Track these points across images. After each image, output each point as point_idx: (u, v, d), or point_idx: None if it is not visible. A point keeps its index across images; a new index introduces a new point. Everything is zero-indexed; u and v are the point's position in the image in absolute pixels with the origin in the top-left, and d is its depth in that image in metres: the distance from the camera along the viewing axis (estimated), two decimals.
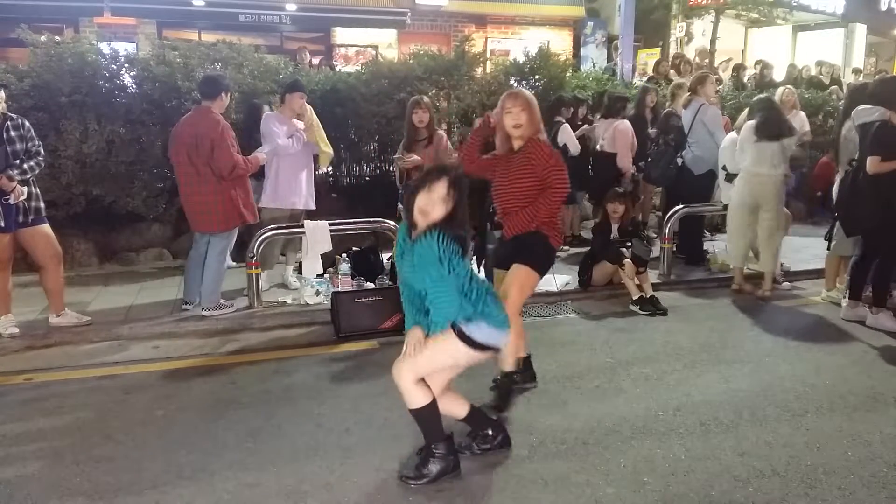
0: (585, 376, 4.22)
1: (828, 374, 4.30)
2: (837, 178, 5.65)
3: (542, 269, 3.82)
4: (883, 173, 4.93)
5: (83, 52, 6.66)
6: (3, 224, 4.71)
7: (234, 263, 6.17)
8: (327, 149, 6.09)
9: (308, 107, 5.94)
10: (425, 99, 5.97)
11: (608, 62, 10.52)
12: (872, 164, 4.95)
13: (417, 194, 2.92)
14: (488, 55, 12.08)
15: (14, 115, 4.82)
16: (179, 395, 4.04)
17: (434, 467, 3.02)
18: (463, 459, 3.13)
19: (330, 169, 7.52)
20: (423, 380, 2.98)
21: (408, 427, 3.51)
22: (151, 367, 4.49)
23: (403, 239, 3.03)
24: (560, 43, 14.73)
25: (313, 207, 5.99)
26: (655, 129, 7.44)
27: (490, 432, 3.28)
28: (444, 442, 3.05)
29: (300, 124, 5.75)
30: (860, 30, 17.04)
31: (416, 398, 2.97)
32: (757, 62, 11.46)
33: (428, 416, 3.01)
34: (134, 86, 6.78)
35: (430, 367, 2.99)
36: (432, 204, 2.88)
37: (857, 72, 13.46)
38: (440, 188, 2.88)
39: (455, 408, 3.18)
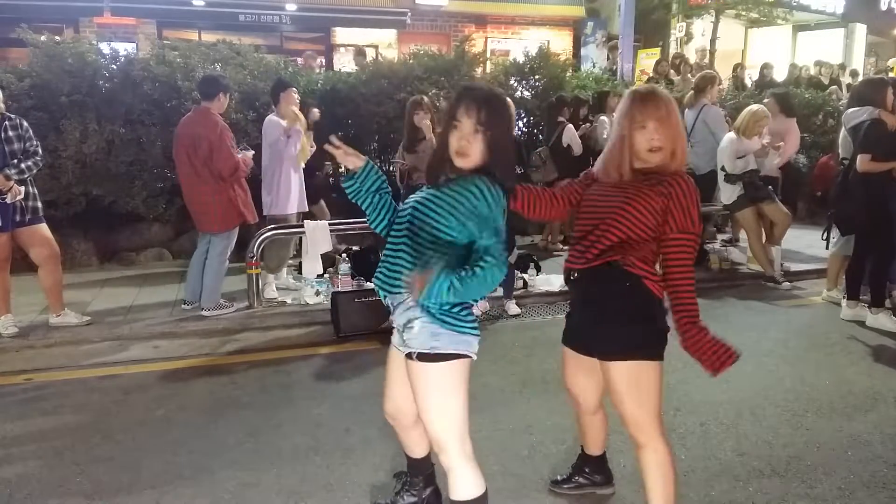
0: None
1: (828, 374, 4.30)
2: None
3: (657, 349, 2.44)
4: (872, 172, 4.93)
5: (83, 52, 6.66)
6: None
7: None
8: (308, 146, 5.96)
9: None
10: (425, 99, 5.97)
11: (607, 62, 10.57)
12: (862, 162, 4.96)
13: (449, 132, 2.22)
14: (488, 55, 12.09)
15: (12, 116, 4.82)
16: (179, 395, 4.04)
17: None
18: None
19: (330, 169, 7.52)
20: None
21: None
22: (151, 367, 4.49)
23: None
24: (560, 43, 14.74)
25: (306, 209, 5.99)
26: None
27: (422, 483, 2.68)
28: None
29: (301, 121, 5.73)
30: (860, 30, 17.03)
31: (474, 483, 2.26)
32: (764, 65, 11.45)
33: None
34: (133, 85, 6.78)
35: (460, 418, 2.27)
36: (467, 140, 2.18)
37: (854, 74, 13.46)
38: (468, 116, 2.19)
39: (419, 444, 2.60)
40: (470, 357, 2.25)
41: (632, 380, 2.40)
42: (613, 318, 2.43)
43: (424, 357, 2.19)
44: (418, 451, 2.63)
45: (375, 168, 2.39)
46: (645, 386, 2.41)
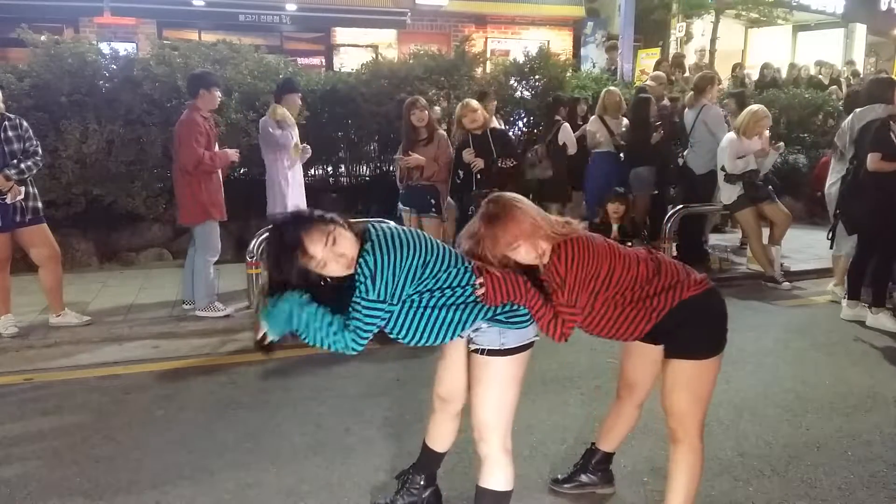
0: (585, 376, 4.22)
1: (828, 374, 4.31)
2: (829, 177, 5.73)
3: (715, 346, 2.44)
4: (883, 171, 4.95)
5: (83, 52, 6.66)
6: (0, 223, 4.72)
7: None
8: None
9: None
10: (421, 100, 5.95)
11: (607, 62, 10.58)
12: (873, 161, 4.97)
13: (316, 269, 2.25)
14: (488, 55, 12.09)
15: (12, 116, 4.82)
16: (179, 395, 4.04)
17: None
18: (463, 458, 3.13)
19: (330, 168, 7.52)
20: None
21: (408, 427, 3.53)
22: (151, 367, 4.49)
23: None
24: (560, 43, 14.75)
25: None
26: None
27: (422, 482, 2.74)
28: None
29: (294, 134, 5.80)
30: (860, 30, 17.04)
31: (506, 477, 2.38)
32: (764, 65, 11.46)
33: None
34: (133, 85, 6.78)
35: (510, 412, 2.41)
36: (333, 256, 2.22)
37: (855, 73, 13.47)
38: (314, 246, 2.19)
39: (446, 438, 2.68)
40: (532, 344, 2.38)
41: (691, 377, 2.43)
42: (677, 325, 2.41)
43: (494, 353, 2.32)
44: (440, 446, 2.68)
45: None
46: (701, 385, 2.44)
